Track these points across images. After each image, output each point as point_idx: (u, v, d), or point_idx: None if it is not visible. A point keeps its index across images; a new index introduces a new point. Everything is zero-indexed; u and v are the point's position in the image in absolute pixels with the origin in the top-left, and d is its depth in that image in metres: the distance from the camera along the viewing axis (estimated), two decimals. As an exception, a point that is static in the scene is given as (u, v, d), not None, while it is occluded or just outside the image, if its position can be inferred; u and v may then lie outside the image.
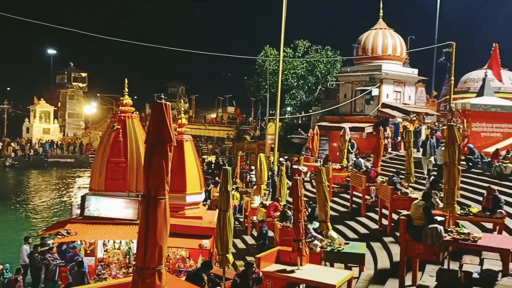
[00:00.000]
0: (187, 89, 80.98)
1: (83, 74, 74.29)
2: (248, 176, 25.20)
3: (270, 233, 15.34)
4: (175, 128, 14.70)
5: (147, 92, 74.24)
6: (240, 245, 17.80)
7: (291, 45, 35.73)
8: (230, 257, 9.23)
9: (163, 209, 4.83)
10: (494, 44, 25.42)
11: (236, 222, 20.84)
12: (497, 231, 10.68)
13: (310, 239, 10.91)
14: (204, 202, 18.78)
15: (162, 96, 34.14)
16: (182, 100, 66.24)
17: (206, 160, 42.02)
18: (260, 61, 37.69)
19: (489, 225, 11.29)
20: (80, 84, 73.17)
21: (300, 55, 34.61)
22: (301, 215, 10.34)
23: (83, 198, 14.19)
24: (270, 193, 21.73)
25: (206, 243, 12.70)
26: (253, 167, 24.56)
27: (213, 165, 35.24)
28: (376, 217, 15.76)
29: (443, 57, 28.53)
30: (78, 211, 15.51)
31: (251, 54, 37.45)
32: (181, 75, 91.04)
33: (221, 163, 33.39)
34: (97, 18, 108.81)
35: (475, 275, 8.35)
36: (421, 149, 22.11)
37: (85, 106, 69.61)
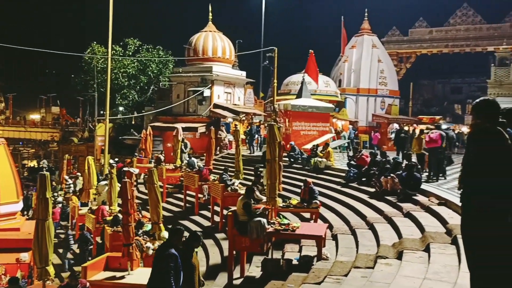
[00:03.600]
0: (2, 86, 71.97)
1: None
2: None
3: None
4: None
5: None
6: (68, 255, 16.62)
7: (121, 43, 34.45)
8: (51, 269, 8.50)
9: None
10: (310, 51, 28.12)
11: (62, 230, 19.37)
12: (313, 219, 11.85)
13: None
14: (25, 212, 17.01)
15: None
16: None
17: (27, 166, 38.08)
18: (87, 59, 35.54)
19: (307, 215, 12.47)
20: None
21: (130, 53, 33.56)
22: (131, 219, 10.08)
23: None
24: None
25: (25, 256, 11.53)
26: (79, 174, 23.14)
27: (34, 170, 32.11)
28: (209, 214, 16.20)
29: (267, 61, 30.55)
30: None
31: (78, 51, 35.16)
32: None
33: (41, 167, 30.58)
34: None
35: (295, 262, 9.14)
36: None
37: None
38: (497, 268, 3.93)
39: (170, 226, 10.47)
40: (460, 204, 4.23)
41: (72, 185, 22.89)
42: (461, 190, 4.18)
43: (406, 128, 24.00)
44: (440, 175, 13.82)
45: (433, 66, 63.00)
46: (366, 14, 39.80)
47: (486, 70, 32.78)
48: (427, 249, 7.22)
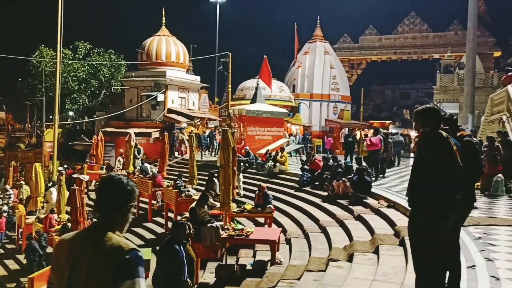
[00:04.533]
0: None
1: None
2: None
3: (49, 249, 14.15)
4: None
5: None
6: (14, 265, 15.92)
7: (71, 46, 33.44)
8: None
9: None
10: (264, 56, 28.39)
11: (8, 240, 18.56)
12: (268, 224, 11.93)
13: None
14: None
15: None
16: None
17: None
18: (35, 62, 34.23)
19: (262, 219, 12.54)
20: None
21: (81, 57, 32.60)
22: (80, 228, 9.79)
23: None
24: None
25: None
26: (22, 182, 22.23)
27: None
28: (163, 221, 15.97)
29: (221, 66, 30.56)
30: None
31: (25, 54, 33.73)
32: None
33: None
34: None
35: (249, 267, 9.16)
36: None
37: None
38: (439, 271, 4.13)
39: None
40: (409, 208, 4.38)
41: (12, 195, 21.91)
42: (409, 196, 4.32)
43: (354, 133, 24.77)
44: (380, 175, 14.93)
45: (383, 72, 65.13)
46: (318, 21, 40.65)
47: (433, 76, 34.18)
48: (376, 251, 7.42)
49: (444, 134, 4.20)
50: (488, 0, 44.96)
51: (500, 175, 11.85)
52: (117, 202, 2.40)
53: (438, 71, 33.80)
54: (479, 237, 6.87)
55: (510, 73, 18.63)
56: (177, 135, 27.13)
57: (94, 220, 2.54)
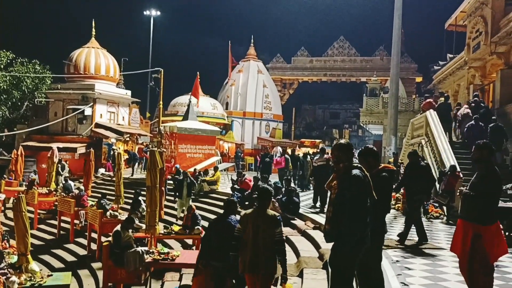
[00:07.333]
0: None
1: None
2: None
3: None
4: None
5: None
6: None
7: (-9, 55, 31.41)
8: None
9: None
10: (197, 72, 28.32)
11: None
12: (195, 246, 11.71)
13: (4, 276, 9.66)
14: None
15: None
16: None
17: None
18: (-50, 70, 31.72)
19: (190, 241, 12.32)
20: None
21: (2, 67, 30.69)
22: (-10, 252, 9.09)
23: None
24: None
25: None
26: None
27: None
28: (85, 242, 15.25)
29: (152, 82, 30.04)
30: None
31: None
32: None
33: None
34: None
35: (173, 291, 8.92)
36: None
37: None
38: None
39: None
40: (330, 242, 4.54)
41: None
42: (327, 232, 4.45)
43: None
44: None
45: (314, 92, 67.24)
46: (252, 40, 41.32)
47: (361, 98, 35.74)
48: (300, 275, 7.49)
49: (362, 172, 4.36)
50: (410, 30, 47.93)
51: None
52: (269, 198, 5.49)
53: (364, 94, 35.37)
54: (397, 261, 7.15)
55: (428, 100, 19.84)
56: (113, 150, 26.17)
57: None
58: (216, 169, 19.30)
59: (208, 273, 6.13)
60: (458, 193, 5.37)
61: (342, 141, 4.72)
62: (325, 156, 13.85)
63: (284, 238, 5.81)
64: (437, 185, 13.08)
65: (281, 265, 5.31)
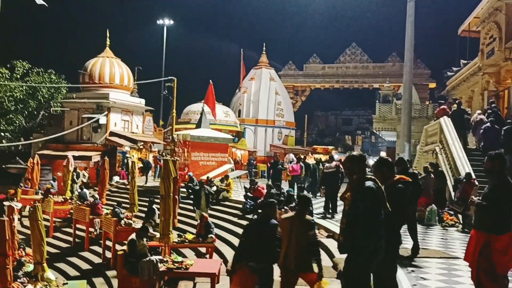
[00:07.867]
0: None
1: None
2: None
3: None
4: None
5: None
6: None
7: (8, 65, 31.97)
8: None
9: None
10: (210, 81, 28.46)
11: None
12: (209, 254, 11.77)
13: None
14: None
15: None
16: None
17: None
18: (-33, 80, 32.34)
19: (204, 249, 12.36)
20: None
21: (18, 76, 31.23)
22: (8, 261, 9.20)
23: None
24: None
25: None
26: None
27: None
28: (100, 250, 15.37)
29: (166, 91, 30.29)
30: None
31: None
32: None
33: None
34: None
35: (188, 300, 8.95)
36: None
37: None
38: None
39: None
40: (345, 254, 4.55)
41: None
42: (342, 242, 4.47)
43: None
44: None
45: (327, 98, 67.13)
46: (264, 48, 41.48)
47: (374, 104, 35.57)
48: (314, 284, 7.47)
49: (375, 184, 4.36)
50: (423, 36, 47.73)
51: (433, 205, 12.40)
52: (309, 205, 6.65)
53: (377, 101, 35.20)
54: (412, 271, 7.10)
55: (442, 106, 19.68)
56: (127, 158, 26.44)
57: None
58: (226, 177, 19.35)
59: (245, 273, 6.18)
60: (470, 202, 5.35)
61: (355, 152, 4.77)
62: (334, 163, 13.86)
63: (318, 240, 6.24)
64: (452, 193, 12.97)
65: (317, 264, 5.64)
